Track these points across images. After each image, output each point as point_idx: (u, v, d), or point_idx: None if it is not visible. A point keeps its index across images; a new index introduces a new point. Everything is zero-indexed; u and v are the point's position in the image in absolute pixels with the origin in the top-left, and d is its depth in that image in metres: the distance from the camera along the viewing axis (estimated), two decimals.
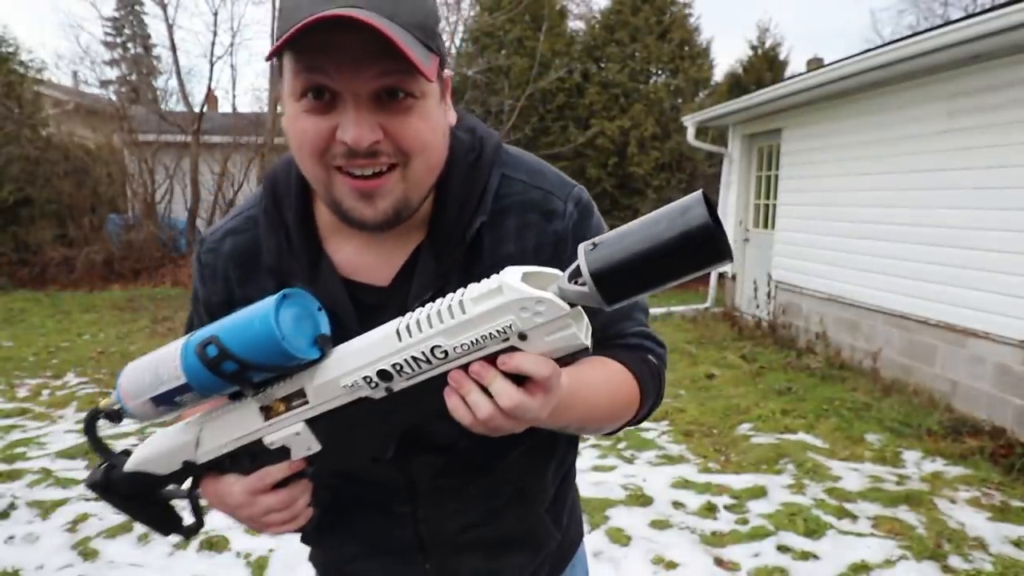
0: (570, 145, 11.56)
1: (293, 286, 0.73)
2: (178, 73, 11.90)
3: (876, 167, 5.43)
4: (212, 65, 11.69)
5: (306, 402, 0.68)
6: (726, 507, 3.19)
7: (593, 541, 2.88)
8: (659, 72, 12.25)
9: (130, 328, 7.41)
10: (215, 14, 15.05)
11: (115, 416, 0.73)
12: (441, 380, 0.62)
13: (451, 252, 0.78)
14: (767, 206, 7.70)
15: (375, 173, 0.69)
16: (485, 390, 0.59)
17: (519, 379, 0.60)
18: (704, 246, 0.52)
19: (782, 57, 12.57)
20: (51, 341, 6.76)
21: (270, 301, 0.64)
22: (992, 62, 4.26)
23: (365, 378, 0.64)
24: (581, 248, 0.57)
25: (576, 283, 0.57)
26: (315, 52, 0.65)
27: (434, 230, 0.78)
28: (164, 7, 11.49)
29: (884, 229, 5.29)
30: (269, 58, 0.68)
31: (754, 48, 12.50)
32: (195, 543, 2.85)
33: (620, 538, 2.89)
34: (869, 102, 5.56)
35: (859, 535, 2.92)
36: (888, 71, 4.98)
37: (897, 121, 5.20)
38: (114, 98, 11.93)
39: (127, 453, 0.79)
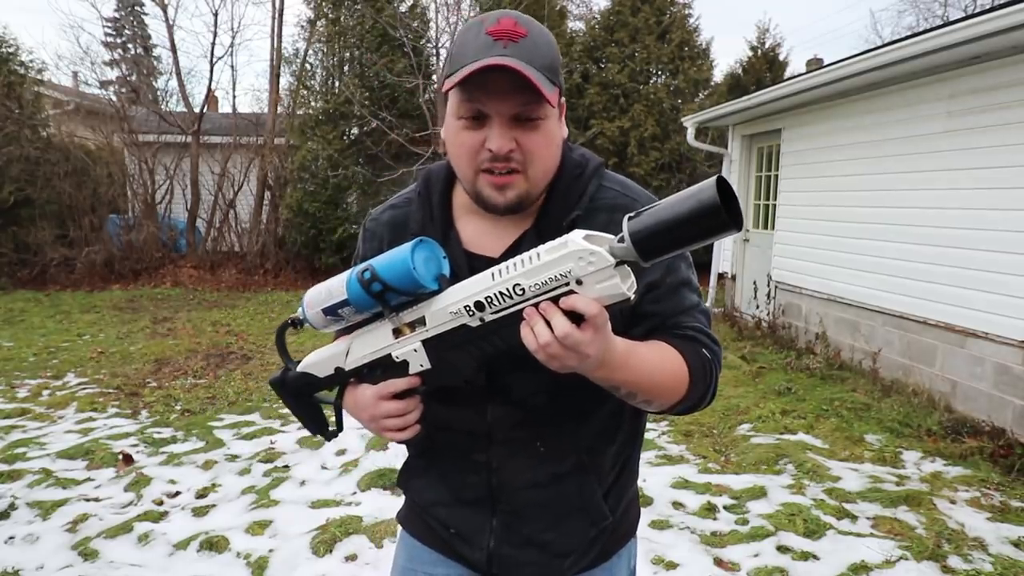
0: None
1: None
2: (178, 74, 11.91)
3: (876, 167, 5.43)
4: (212, 66, 11.70)
5: (424, 327, 0.90)
6: (726, 507, 3.19)
7: None
8: (659, 72, 12.25)
9: (130, 328, 7.41)
10: (215, 15, 15.04)
11: (298, 323, 1.00)
12: (519, 317, 0.81)
13: (551, 236, 0.98)
14: (767, 206, 7.70)
15: (508, 172, 0.95)
16: (549, 324, 0.78)
17: (578, 322, 0.78)
18: (712, 218, 0.69)
19: (782, 57, 12.59)
20: (51, 341, 6.76)
21: (409, 243, 0.90)
22: (992, 62, 4.26)
23: (465, 307, 0.84)
24: (625, 216, 0.75)
25: (621, 243, 0.75)
26: (476, 87, 0.91)
27: (540, 219, 1.02)
28: (164, 8, 11.50)
29: (884, 229, 5.29)
30: (445, 92, 0.95)
31: (754, 48, 12.52)
32: (195, 543, 2.85)
33: None
34: (869, 102, 5.56)
35: (859, 535, 2.92)
36: (888, 71, 4.98)
37: (897, 121, 5.20)
38: (114, 98, 11.93)
39: (298, 362, 1.05)
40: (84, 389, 5.12)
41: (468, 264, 1.02)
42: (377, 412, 0.96)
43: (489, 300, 0.82)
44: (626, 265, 0.77)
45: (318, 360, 1.02)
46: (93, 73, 18.97)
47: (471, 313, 0.84)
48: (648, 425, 4.36)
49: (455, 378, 0.98)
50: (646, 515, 3.10)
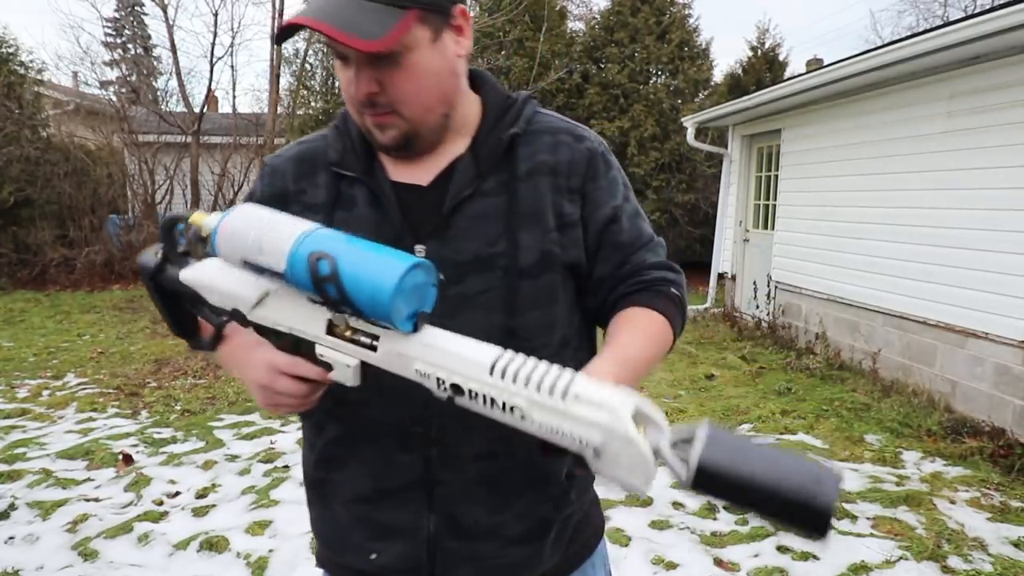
0: None
1: (351, 178, 0.93)
2: (178, 74, 11.90)
3: (876, 167, 5.43)
4: (212, 66, 11.68)
5: (374, 350, 0.68)
6: (726, 507, 3.19)
7: None
8: (659, 73, 12.26)
9: (130, 329, 7.41)
10: (215, 15, 15.03)
11: (202, 241, 0.74)
12: (492, 422, 0.63)
13: (489, 157, 0.92)
14: (767, 206, 7.70)
15: (382, 112, 0.86)
16: None
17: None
18: (811, 521, 0.55)
19: (782, 58, 12.58)
20: (51, 342, 6.76)
21: (403, 264, 0.64)
22: (992, 62, 4.26)
23: (439, 379, 0.65)
24: (705, 432, 0.58)
25: (677, 451, 0.59)
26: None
27: (475, 141, 0.93)
28: (164, 8, 11.50)
29: (884, 229, 5.29)
30: (276, 42, 0.89)
31: (754, 49, 12.51)
32: (195, 543, 2.85)
33: (620, 538, 2.89)
34: (869, 102, 5.56)
35: (859, 535, 2.92)
36: (888, 71, 4.98)
37: (897, 121, 5.20)
38: (114, 99, 11.92)
39: (186, 255, 0.79)
40: (84, 389, 5.12)
41: (396, 194, 0.92)
42: (274, 386, 0.77)
43: (472, 393, 0.63)
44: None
45: (213, 287, 0.76)
46: (93, 73, 18.99)
47: (443, 389, 0.65)
48: None
49: (379, 412, 0.85)
50: (646, 515, 3.10)
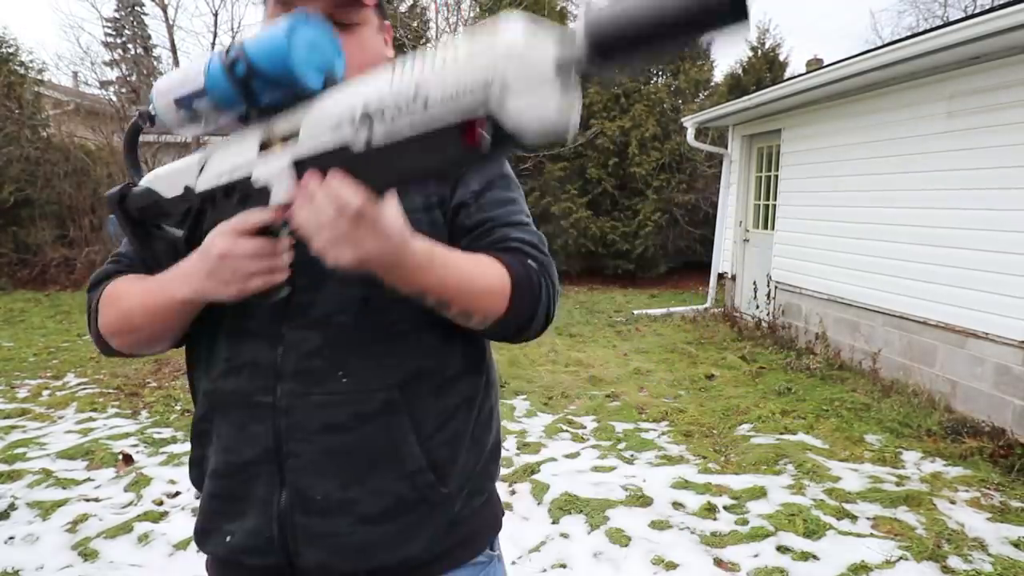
0: (570, 145, 11.56)
1: None
2: None
3: (876, 167, 5.43)
4: None
5: (297, 141, 0.69)
6: (726, 508, 3.19)
7: (593, 542, 2.88)
8: (660, 72, 12.26)
9: None
10: (215, 15, 15.05)
11: (150, 119, 0.79)
12: (414, 146, 0.60)
13: None
14: (767, 206, 7.70)
15: None
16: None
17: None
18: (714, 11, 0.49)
19: (782, 58, 12.58)
20: (51, 342, 6.76)
21: (289, 17, 0.68)
22: (992, 62, 4.26)
23: (351, 118, 0.63)
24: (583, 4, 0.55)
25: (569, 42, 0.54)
26: None
27: None
28: (164, 8, 11.49)
29: (884, 229, 5.29)
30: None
31: (754, 49, 12.51)
32: (195, 544, 2.85)
33: (620, 539, 2.89)
34: (869, 102, 5.56)
35: (859, 535, 2.92)
36: (888, 71, 4.98)
37: (897, 121, 5.20)
38: (114, 99, 11.92)
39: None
40: (84, 389, 5.12)
41: None
42: (235, 250, 0.73)
43: (382, 112, 0.60)
44: (569, 75, 0.58)
45: (166, 173, 0.81)
46: (93, 73, 18.97)
47: (356, 125, 0.62)
48: (648, 425, 4.37)
49: (237, 382, 0.87)
50: (646, 515, 3.10)
